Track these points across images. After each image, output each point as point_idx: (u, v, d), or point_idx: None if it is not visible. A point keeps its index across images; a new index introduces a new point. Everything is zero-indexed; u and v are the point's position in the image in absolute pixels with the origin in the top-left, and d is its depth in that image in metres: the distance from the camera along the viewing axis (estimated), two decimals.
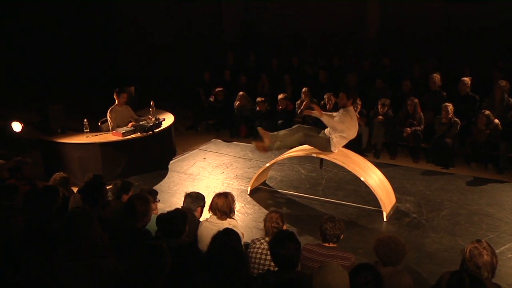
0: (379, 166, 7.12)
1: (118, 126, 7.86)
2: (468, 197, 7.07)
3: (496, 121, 8.01)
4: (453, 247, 5.58)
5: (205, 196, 4.99)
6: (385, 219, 6.30)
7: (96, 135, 7.73)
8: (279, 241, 3.40)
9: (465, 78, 8.85)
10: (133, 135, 7.73)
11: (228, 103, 10.49)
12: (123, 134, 7.61)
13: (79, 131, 7.80)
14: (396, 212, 6.57)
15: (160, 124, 8.14)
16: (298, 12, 12.68)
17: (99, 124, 8.11)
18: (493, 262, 3.32)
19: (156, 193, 5.17)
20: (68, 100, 9.79)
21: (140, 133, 7.76)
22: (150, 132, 7.85)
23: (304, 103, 9.70)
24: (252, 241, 4.30)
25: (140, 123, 8.00)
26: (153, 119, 8.13)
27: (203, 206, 4.91)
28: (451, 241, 5.79)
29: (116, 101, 8.00)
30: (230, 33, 13.47)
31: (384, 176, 6.77)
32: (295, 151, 6.99)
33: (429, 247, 5.67)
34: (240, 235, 4.18)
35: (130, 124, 7.96)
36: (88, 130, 7.76)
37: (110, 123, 7.89)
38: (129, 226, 4.10)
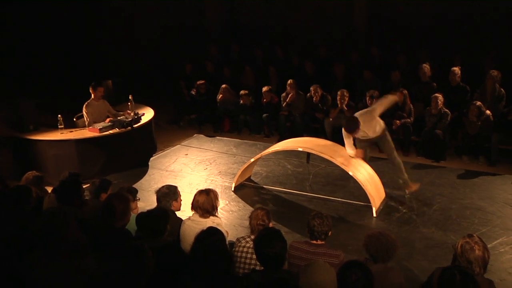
0: (367, 160, 7.15)
1: (95, 122, 7.79)
2: (460, 191, 7.14)
3: (488, 112, 8.08)
4: (444, 242, 5.64)
5: (177, 187, 4.99)
6: (374, 215, 6.34)
7: (72, 131, 7.65)
8: (265, 239, 3.39)
9: (455, 68, 8.93)
10: (111, 131, 7.67)
11: (210, 97, 10.45)
12: (100, 130, 7.54)
13: (53, 127, 7.70)
14: (386, 207, 6.61)
15: (139, 119, 8.09)
16: (282, 1, 12.66)
17: (74, 120, 8.04)
18: (485, 257, 3.36)
19: (136, 191, 5.15)
20: (42, 95, 9.66)
21: (119, 129, 7.70)
22: (129, 128, 7.80)
23: (289, 95, 9.71)
24: (237, 239, 4.29)
25: (118, 118, 7.95)
26: (132, 114, 8.07)
27: (177, 199, 4.90)
28: (442, 236, 5.85)
29: (92, 95, 7.93)
30: (213, 24, 13.40)
31: (373, 170, 6.81)
32: (280, 146, 7.00)
33: (420, 242, 5.72)
34: (225, 233, 4.17)
35: (107, 120, 7.90)
36: (62, 126, 7.67)
37: (86, 119, 7.81)
38: (108, 226, 4.07)
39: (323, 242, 4.16)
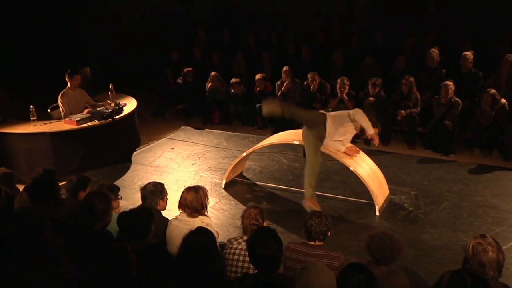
0: (370, 154, 7.15)
1: (72, 113, 7.75)
2: (471, 187, 7.17)
3: (503, 101, 8.08)
4: (454, 244, 5.66)
5: (164, 184, 4.99)
6: (377, 213, 6.36)
7: (46, 123, 7.62)
8: (259, 239, 3.40)
9: (467, 53, 8.90)
10: (89, 123, 7.64)
11: (199, 85, 10.43)
12: (78, 122, 7.51)
13: (25, 119, 7.65)
14: (390, 205, 6.64)
15: (121, 110, 8.06)
16: None
17: (48, 111, 7.98)
18: (500, 259, 3.35)
19: (117, 189, 5.17)
20: (12, 84, 9.59)
21: (98, 121, 7.67)
22: (110, 120, 7.77)
23: (285, 84, 9.71)
24: (229, 240, 4.30)
25: (98, 109, 7.91)
26: (113, 104, 8.05)
27: (164, 197, 4.91)
28: (452, 236, 5.88)
29: (69, 84, 7.88)
30: (201, 6, 13.34)
31: (376, 165, 6.83)
32: (274, 138, 7.00)
33: (428, 243, 5.74)
34: (215, 234, 4.18)
35: (85, 111, 7.86)
36: (35, 118, 7.62)
37: (62, 110, 7.77)
38: (87, 228, 4.07)
39: (321, 243, 4.17)
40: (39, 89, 9.13)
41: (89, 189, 5.07)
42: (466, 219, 6.29)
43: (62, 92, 7.83)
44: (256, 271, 3.46)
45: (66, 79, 7.87)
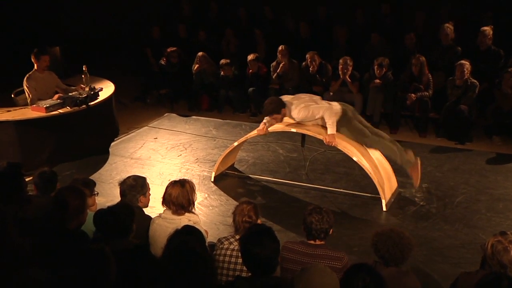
0: None
1: (40, 99, 7.70)
2: (490, 179, 7.21)
3: None
4: (471, 242, 5.70)
5: (146, 178, 5.00)
6: (384, 209, 6.39)
7: (10, 110, 7.55)
8: (253, 238, 3.40)
9: (486, 28, 8.90)
10: (60, 110, 7.58)
11: (184, 67, 10.41)
12: (47, 109, 7.46)
13: None
14: (399, 200, 6.67)
15: (96, 95, 8.02)
16: None
17: (12, 96, 7.95)
18: None
19: (93, 184, 5.14)
20: None
21: (70, 107, 7.63)
22: (84, 106, 7.72)
23: (281, 65, 9.70)
24: (219, 240, 4.31)
25: (70, 94, 7.86)
26: (87, 88, 7.99)
27: (145, 193, 4.92)
28: (468, 234, 5.91)
29: (35, 65, 7.82)
30: None
31: (382, 156, 6.85)
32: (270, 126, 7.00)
33: (441, 242, 5.78)
34: (204, 233, 4.19)
35: (56, 96, 7.80)
36: None
37: (29, 95, 7.72)
38: (59, 228, 4.06)
39: (322, 242, 4.18)
40: (1, 72, 9.07)
41: (58, 185, 5.04)
42: (484, 214, 6.33)
43: (28, 75, 7.77)
44: (249, 274, 3.47)
45: (33, 60, 7.81)
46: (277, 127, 6.85)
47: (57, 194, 4.34)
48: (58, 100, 7.67)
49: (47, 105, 7.49)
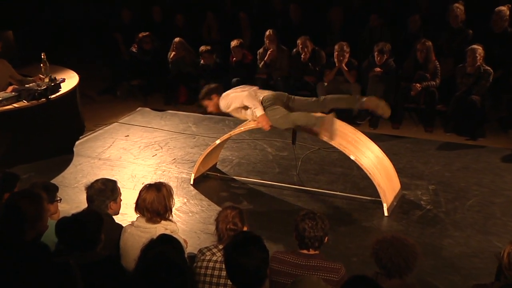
0: (376, 139, 7.24)
1: None
2: (506, 179, 7.25)
3: None
4: (485, 250, 5.72)
5: (117, 181, 4.99)
6: (386, 213, 6.40)
7: None
8: (239, 248, 3.40)
9: (502, 8, 8.89)
10: (15, 104, 7.54)
11: (158, 55, 10.39)
12: (0, 102, 7.42)
13: None
14: (402, 204, 6.69)
15: (58, 87, 8.00)
16: None
17: None
18: None
19: (55, 188, 5.11)
20: None
21: (27, 101, 7.58)
22: (43, 100, 7.70)
23: (268, 52, 9.71)
24: (200, 251, 4.31)
25: (27, 86, 7.83)
26: (47, 79, 7.96)
27: (116, 198, 4.91)
28: (482, 241, 5.93)
29: None
30: None
31: (383, 154, 6.88)
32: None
33: (451, 250, 5.79)
34: (182, 243, 4.18)
35: (10, 88, 7.77)
36: None
37: None
38: (13, 239, 4.02)
39: (317, 252, 4.19)
40: None
41: (17, 190, 5.01)
42: (499, 219, 6.35)
43: None
44: None
45: None
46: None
47: (8, 200, 4.29)
48: (13, 93, 7.62)
49: (0, 99, 7.45)
